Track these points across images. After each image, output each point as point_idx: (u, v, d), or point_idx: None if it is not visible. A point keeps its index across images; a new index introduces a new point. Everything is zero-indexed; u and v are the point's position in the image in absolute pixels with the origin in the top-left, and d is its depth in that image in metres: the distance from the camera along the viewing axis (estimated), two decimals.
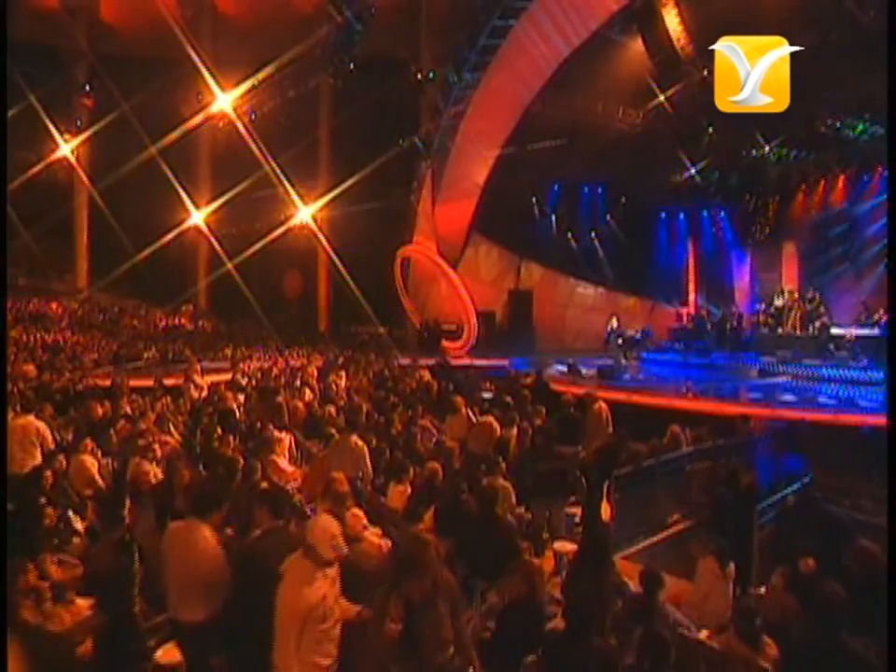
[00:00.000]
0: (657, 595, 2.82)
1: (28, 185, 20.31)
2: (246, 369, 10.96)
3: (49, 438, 5.49)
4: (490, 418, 6.40)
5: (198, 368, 9.59)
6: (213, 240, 21.43)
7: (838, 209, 16.53)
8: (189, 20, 22.89)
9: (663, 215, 19.11)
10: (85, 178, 23.15)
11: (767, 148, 15.87)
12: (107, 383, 10.15)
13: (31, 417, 5.60)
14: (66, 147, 22.60)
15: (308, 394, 9.20)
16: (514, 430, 6.38)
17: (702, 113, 15.47)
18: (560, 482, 4.80)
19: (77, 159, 22.97)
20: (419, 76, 15.65)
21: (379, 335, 20.67)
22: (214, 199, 21.42)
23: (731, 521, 4.01)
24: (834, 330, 11.67)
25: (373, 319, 19.51)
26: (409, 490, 4.65)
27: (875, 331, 10.95)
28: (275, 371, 10.86)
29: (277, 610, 2.37)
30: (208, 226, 21.75)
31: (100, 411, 6.35)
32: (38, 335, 15.10)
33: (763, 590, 3.11)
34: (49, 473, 4.41)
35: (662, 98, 14.92)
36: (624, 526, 4.95)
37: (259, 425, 6.52)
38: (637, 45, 12.66)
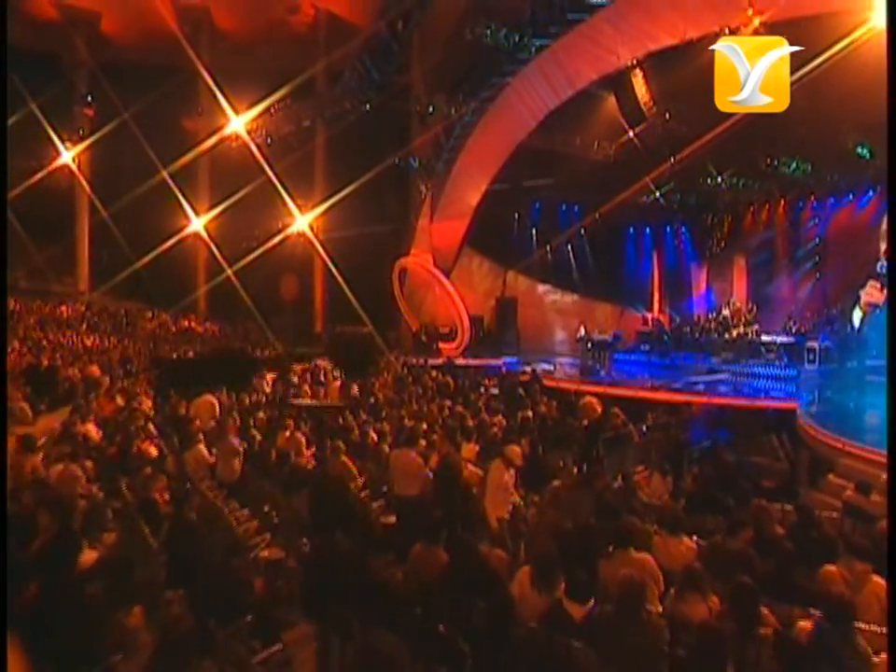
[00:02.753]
0: (632, 479, 6.05)
1: (30, 191, 22.46)
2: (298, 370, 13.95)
3: (219, 409, 8.46)
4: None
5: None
6: (212, 246, 23.94)
7: (780, 229, 20.41)
8: (188, 34, 25.07)
9: (631, 230, 22.72)
10: (86, 185, 25.32)
11: (720, 179, 19.56)
12: None
13: (208, 395, 8.57)
14: (68, 155, 24.59)
15: (354, 388, 12.25)
16: (529, 412, 9.65)
17: (665, 146, 19.07)
18: (570, 441, 8.04)
19: (79, 166, 25.05)
20: (419, 109, 18.68)
21: (365, 335, 23.65)
22: (213, 206, 23.95)
23: (672, 458, 7.35)
24: (764, 337, 15.41)
25: (367, 322, 22.42)
26: (476, 447, 7.81)
27: (793, 339, 14.70)
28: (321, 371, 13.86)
29: (489, 486, 5.54)
30: (208, 232, 24.21)
31: (247, 400, 9.31)
32: (77, 337, 17.56)
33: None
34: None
35: (631, 134, 18.44)
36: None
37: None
38: (611, 95, 16.08)
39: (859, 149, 16.93)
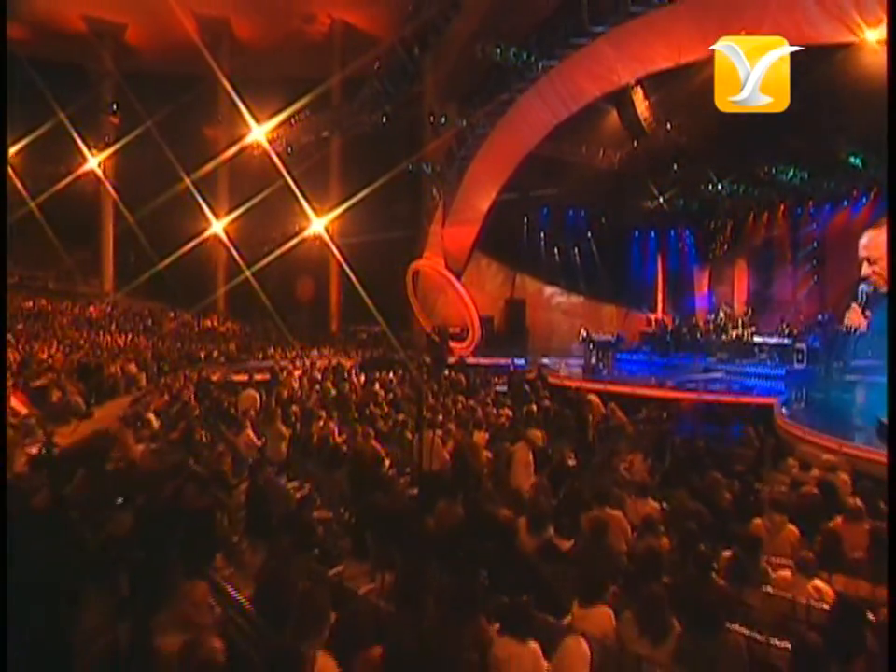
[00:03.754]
0: (618, 460, 7.39)
1: (58, 196, 23.94)
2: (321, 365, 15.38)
3: (259, 403, 9.83)
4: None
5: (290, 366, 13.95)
6: (232, 248, 25.35)
7: (779, 234, 21.57)
8: (209, 44, 26.41)
9: (636, 234, 23.96)
10: (111, 190, 26.81)
11: (720, 186, 20.78)
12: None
13: (251, 390, 9.95)
14: (94, 161, 26.03)
15: (376, 385, 13.62)
16: (534, 406, 10.97)
17: (667, 155, 20.30)
18: (568, 431, 9.36)
19: (104, 171, 26.52)
20: (432, 118, 20.02)
21: (376, 334, 25.07)
22: (233, 210, 25.35)
23: (657, 445, 8.66)
24: (758, 339, 16.67)
25: (381, 322, 23.74)
26: (486, 435, 9.14)
27: (783, 340, 15.93)
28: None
29: (516, 464, 6.86)
30: (227, 235, 25.60)
31: (285, 393, 10.70)
32: (111, 337, 19.04)
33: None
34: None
35: (635, 143, 19.70)
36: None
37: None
38: (614, 110, 17.36)
39: (852, 158, 18.11)
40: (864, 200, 18.80)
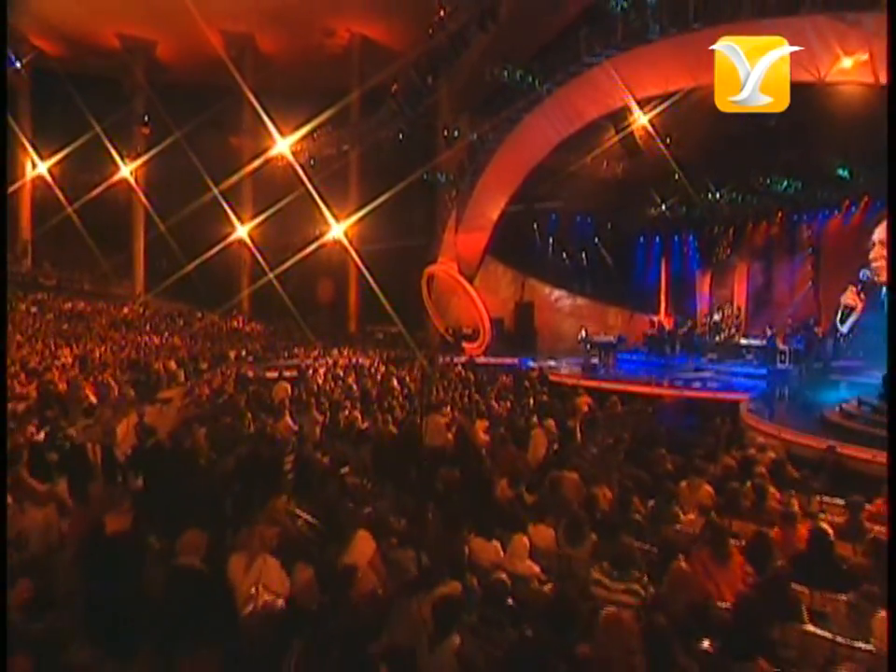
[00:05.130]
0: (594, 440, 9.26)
1: (93, 203, 26.22)
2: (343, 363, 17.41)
3: (289, 394, 11.82)
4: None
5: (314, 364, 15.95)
6: (256, 252, 27.50)
7: (777, 240, 23.17)
8: (234, 58, 28.51)
9: (641, 239, 25.67)
10: (143, 197, 29.07)
11: (718, 195, 22.44)
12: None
13: (284, 383, 11.94)
14: (126, 170, 28.29)
15: (394, 381, 15.57)
16: (531, 400, 12.85)
17: (667, 165, 22.01)
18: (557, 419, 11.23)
19: (136, 180, 28.79)
20: (445, 132, 21.95)
21: (393, 334, 27.04)
22: (256, 216, 27.52)
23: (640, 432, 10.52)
24: (746, 341, 18.39)
25: (398, 323, 25.71)
26: (487, 424, 11.03)
27: (770, 342, 17.60)
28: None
29: (533, 445, 8.75)
30: (252, 239, 27.76)
31: (314, 386, 12.70)
32: (149, 337, 21.21)
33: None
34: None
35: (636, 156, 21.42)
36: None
37: None
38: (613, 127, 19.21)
39: (840, 171, 19.70)
40: (854, 209, 20.37)
